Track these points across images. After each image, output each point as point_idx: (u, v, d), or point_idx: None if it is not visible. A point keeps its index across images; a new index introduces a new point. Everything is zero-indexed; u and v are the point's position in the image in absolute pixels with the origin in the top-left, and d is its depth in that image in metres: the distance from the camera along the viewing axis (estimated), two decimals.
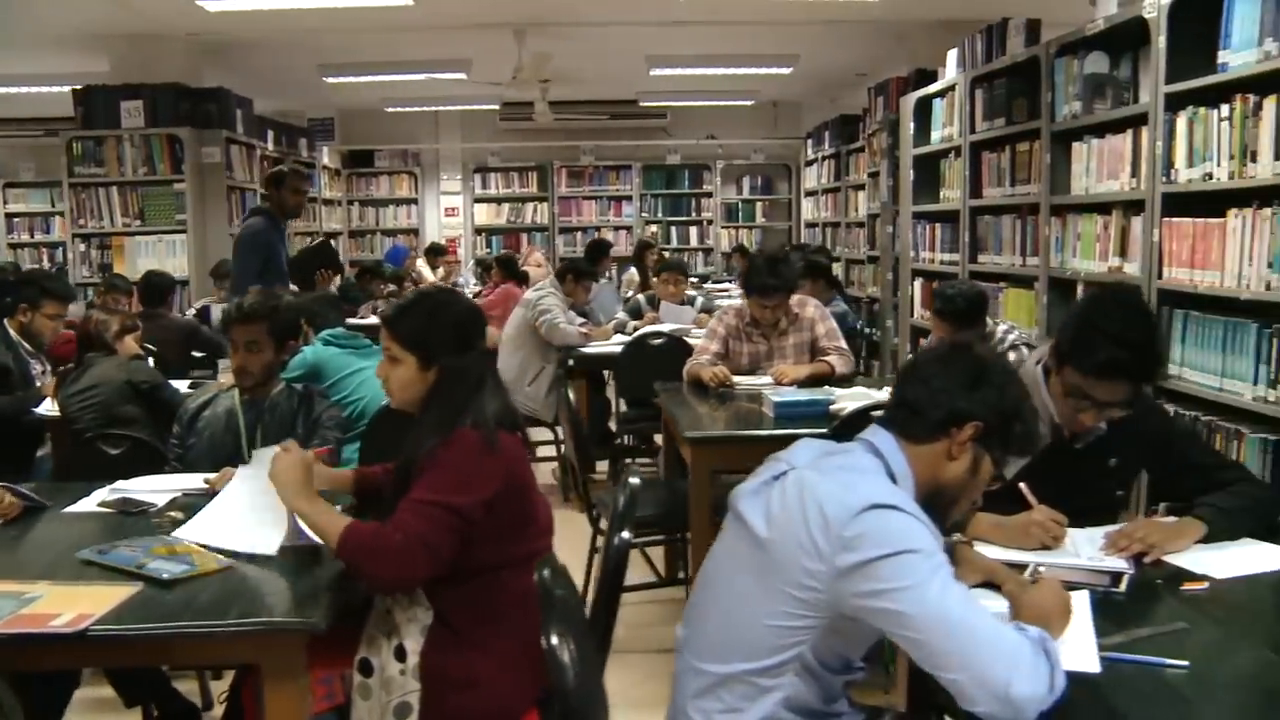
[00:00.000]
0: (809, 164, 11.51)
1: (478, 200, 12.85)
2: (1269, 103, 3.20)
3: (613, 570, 2.08)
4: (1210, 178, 3.50)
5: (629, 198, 12.60)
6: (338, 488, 2.44)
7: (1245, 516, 2.17)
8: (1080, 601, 1.79)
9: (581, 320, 6.31)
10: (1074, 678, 1.50)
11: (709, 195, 12.68)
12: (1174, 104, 3.69)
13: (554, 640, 1.43)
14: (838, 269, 10.10)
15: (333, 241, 12.06)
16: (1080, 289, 4.41)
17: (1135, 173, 3.96)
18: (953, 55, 5.91)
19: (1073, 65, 4.43)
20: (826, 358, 4.36)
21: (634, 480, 2.26)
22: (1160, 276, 3.78)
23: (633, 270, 9.16)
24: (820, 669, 1.59)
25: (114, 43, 7.81)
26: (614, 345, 5.78)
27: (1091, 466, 2.27)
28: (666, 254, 12.18)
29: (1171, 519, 2.14)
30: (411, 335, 2.18)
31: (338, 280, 6.95)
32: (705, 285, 10.06)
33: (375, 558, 1.97)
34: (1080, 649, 1.60)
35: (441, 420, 2.10)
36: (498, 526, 2.06)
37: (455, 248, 12.77)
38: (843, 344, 4.46)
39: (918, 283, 6.42)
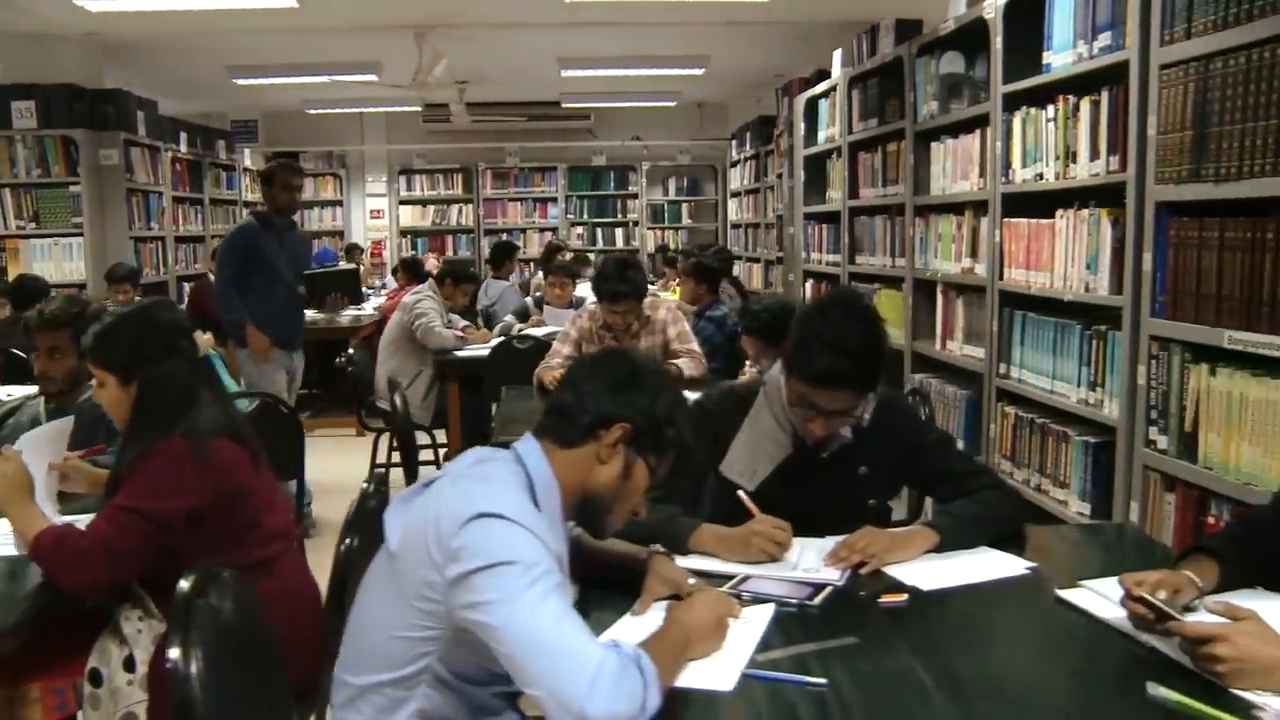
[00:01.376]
0: (734, 165, 11.52)
1: (403, 202, 12.76)
2: (1085, 104, 3.20)
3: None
4: (1041, 178, 3.51)
5: (554, 199, 12.56)
6: (97, 490, 2.39)
7: (984, 524, 2.14)
8: (759, 615, 1.76)
9: (465, 324, 6.27)
10: (701, 695, 1.48)
11: (635, 197, 12.66)
12: (1010, 105, 3.70)
13: (173, 654, 1.38)
14: (757, 270, 10.13)
15: None
16: (940, 290, 4.42)
17: (983, 173, 3.96)
18: (838, 55, 5.92)
19: (930, 65, 4.43)
20: (675, 360, 4.37)
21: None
22: (1001, 278, 3.79)
23: (540, 275, 9.10)
24: (457, 680, 1.56)
25: (3, 42, 7.66)
26: (485, 349, 5.73)
27: (841, 475, 2.24)
28: (592, 256, 12.20)
29: (903, 529, 2.11)
30: (104, 355, 2.17)
31: None
32: None
33: (57, 561, 1.96)
34: (724, 666, 1.57)
35: (144, 432, 2.06)
36: (215, 535, 2.02)
37: (381, 249, 12.68)
38: (694, 346, 4.47)
39: (809, 284, 6.42)
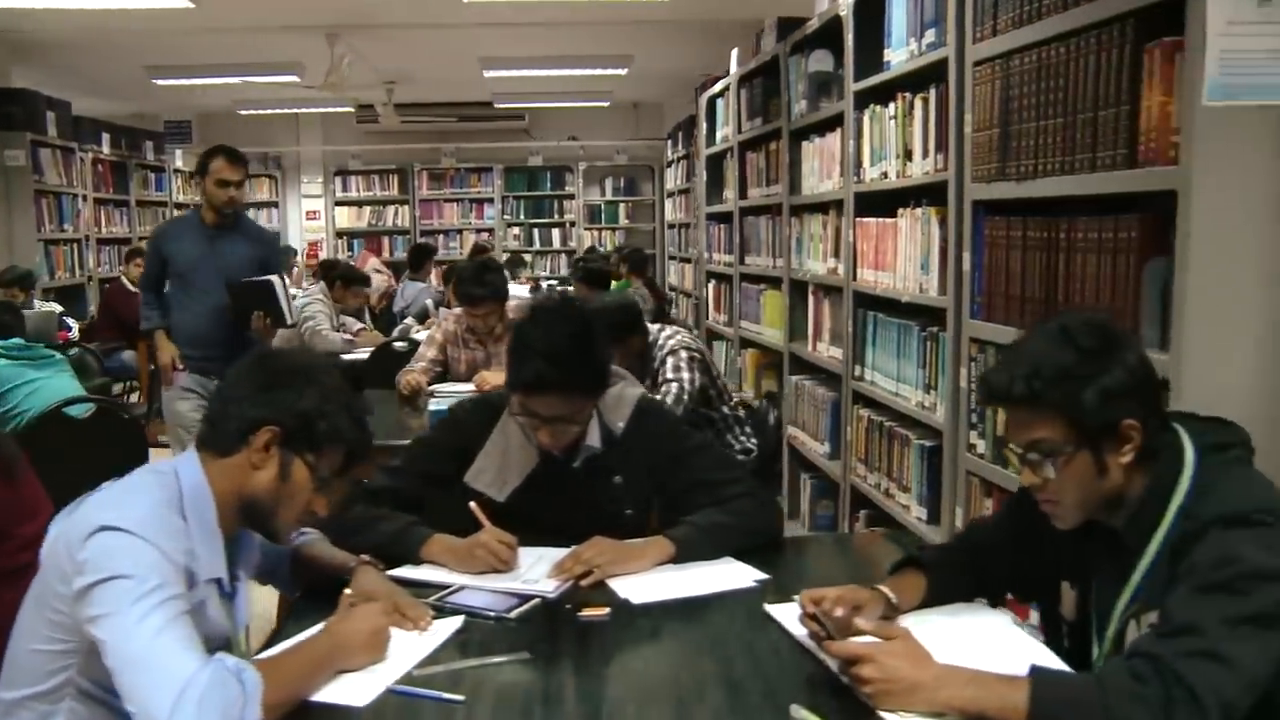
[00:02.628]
0: (669, 165, 11.45)
1: (339, 203, 12.63)
2: (918, 102, 3.15)
3: None
4: (885, 176, 3.46)
5: (491, 200, 12.46)
6: None
7: (728, 534, 2.09)
8: (446, 627, 1.72)
9: (360, 327, 6.19)
10: (327, 709, 1.44)
11: (571, 197, 12.57)
12: (860, 103, 3.65)
13: None
14: (689, 270, 10.07)
15: None
16: (810, 291, 4.37)
17: (843, 172, 3.91)
18: (734, 55, 5.86)
19: (801, 64, 4.38)
20: None
21: None
22: (855, 278, 3.74)
23: None
24: (103, 693, 1.50)
25: None
26: (366, 352, 5.65)
27: (594, 485, 2.18)
28: (529, 257, 12.12)
29: (639, 540, 2.05)
30: None
31: None
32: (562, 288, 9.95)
33: None
34: (371, 680, 1.52)
35: None
36: None
37: (317, 251, 12.55)
38: None
39: (711, 284, 6.37)
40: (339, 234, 12.64)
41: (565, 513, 2.11)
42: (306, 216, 12.76)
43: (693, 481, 2.19)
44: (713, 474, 2.19)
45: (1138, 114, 2.10)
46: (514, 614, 1.78)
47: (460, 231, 12.35)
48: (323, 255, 12.41)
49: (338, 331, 5.98)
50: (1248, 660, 1.28)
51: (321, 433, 1.61)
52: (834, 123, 3.97)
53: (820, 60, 4.27)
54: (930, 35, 3.03)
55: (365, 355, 5.51)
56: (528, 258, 11.95)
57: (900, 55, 3.26)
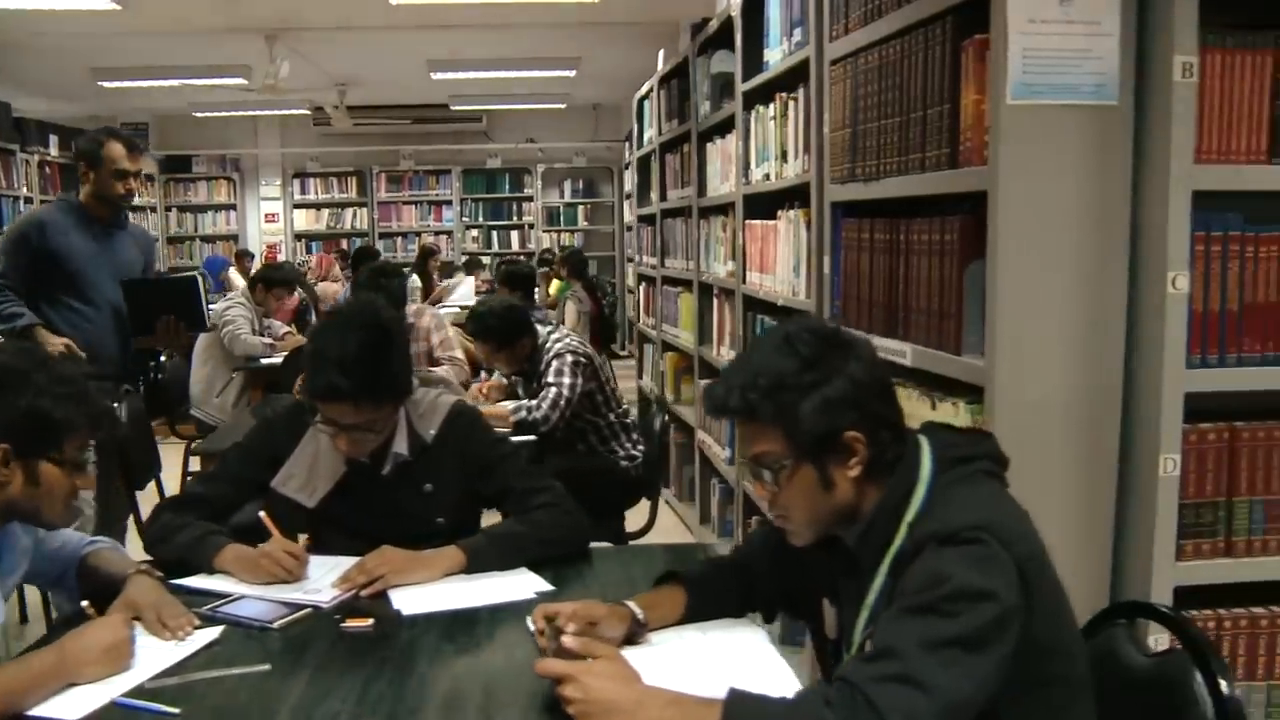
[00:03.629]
0: (627, 166, 11.39)
1: (297, 206, 12.54)
2: (791, 102, 3.12)
3: None
4: (768, 178, 3.42)
5: (449, 202, 12.40)
6: None
7: (523, 544, 2.05)
8: (201, 638, 1.68)
9: (286, 330, 6.12)
10: None
11: (530, 199, 12.51)
12: (748, 103, 3.61)
13: None
14: (630, 270, 10.02)
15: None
16: (715, 294, 4.32)
17: (736, 174, 3.87)
18: (660, 55, 5.82)
19: (706, 64, 4.34)
20: (437, 368, 4.29)
21: None
22: (745, 281, 3.70)
23: (414, 277, 8.95)
24: None
25: None
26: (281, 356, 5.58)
27: (404, 493, 2.14)
28: (487, 259, 12.06)
29: (430, 550, 2.00)
30: None
31: None
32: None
33: None
34: (97, 693, 1.49)
35: None
36: None
37: (275, 254, 12.46)
38: (456, 354, 4.44)
39: (642, 286, 6.32)
40: (298, 236, 12.56)
41: (377, 520, 2.08)
42: (265, 219, 12.67)
43: (501, 490, 2.17)
44: (520, 483, 2.16)
45: (958, 113, 2.07)
46: (278, 624, 1.74)
47: (419, 234, 12.27)
48: (281, 258, 12.34)
49: (261, 335, 5.91)
50: (945, 684, 1.22)
51: (55, 428, 1.57)
52: (731, 124, 3.94)
53: (722, 61, 4.23)
54: (798, 34, 3.00)
55: (277, 360, 5.46)
56: (486, 260, 11.88)
57: (775, 55, 3.23)
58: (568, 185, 12.68)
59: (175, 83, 8.72)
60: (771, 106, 3.31)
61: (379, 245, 12.23)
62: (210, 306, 4.84)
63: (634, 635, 1.62)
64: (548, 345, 3.67)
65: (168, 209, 12.46)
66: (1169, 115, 1.87)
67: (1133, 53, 1.92)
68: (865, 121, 2.47)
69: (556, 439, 3.66)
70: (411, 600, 1.84)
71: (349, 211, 12.54)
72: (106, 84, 9.15)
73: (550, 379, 3.55)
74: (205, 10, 6.95)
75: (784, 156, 3.21)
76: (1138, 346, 1.97)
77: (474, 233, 12.50)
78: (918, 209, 2.28)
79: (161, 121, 12.09)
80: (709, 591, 1.70)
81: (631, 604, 1.62)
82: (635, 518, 3.61)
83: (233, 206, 12.61)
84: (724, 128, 4.10)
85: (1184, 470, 1.93)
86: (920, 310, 2.24)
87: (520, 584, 1.94)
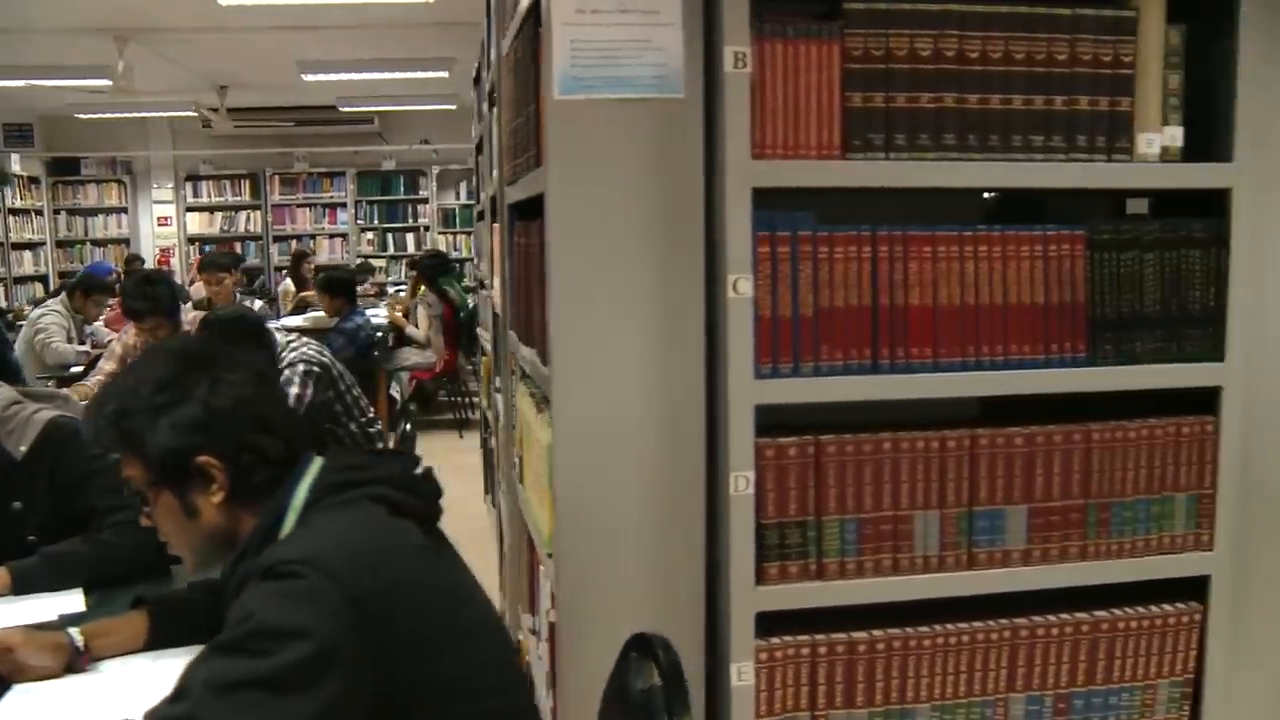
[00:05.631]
0: None
1: (190, 209, 12.30)
2: None
3: None
4: None
5: (344, 205, 12.20)
6: None
7: (82, 564, 2.00)
8: None
9: (112, 337, 5.93)
10: None
11: (425, 201, 12.35)
12: None
13: None
14: None
15: (37, 252, 11.49)
16: None
17: None
18: None
19: None
20: None
21: None
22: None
23: (288, 281, 8.77)
24: None
25: None
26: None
27: None
28: (382, 262, 11.88)
29: None
30: None
31: None
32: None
33: None
34: None
35: None
36: None
37: (168, 258, 12.23)
38: None
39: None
40: (191, 240, 12.32)
41: None
42: (158, 223, 12.43)
43: (87, 508, 2.08)
44: (103, 501, 2.08)
45: (540, 112, 1.95)
46: None
47: (314, 237, 12.08)
48: (174, 262, 12.11)
49: (81, 344, 5.73)
50: None
51: None
52: None
53: None
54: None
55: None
56: (381, 263, 11.71)
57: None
58: (463, 187, 12.52)
59: (22, 83, 8.48)
60: None
61: (273, 248, 12.06)
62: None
63: (74, 664, 1.55)
64: (283, 354, 3.53)
65: (55, 212, 12.18)
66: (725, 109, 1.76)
67: (700, 43, 1.81)
68: (508, 122, 2.35)
69: None
70: None
71: (243, 214, 12.33)
72: None
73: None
74: (47, 10, 6.76)
75: None
76: (718, 358, 1.86)
77: (369, 235, 12.33)
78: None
79: (46, 123, 11.81)
80: (175, 618, 1.66)
81: (74, 631, 1.52)
82: None
83: (124, 210, 12.35)
84: None
85: (762, 488, 1.82)
86: (536, 318, 2.12)
87: (53, 605, 1.87)
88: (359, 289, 9.88)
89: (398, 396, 7.30)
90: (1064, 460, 1.90)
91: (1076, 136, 1.85)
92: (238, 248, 12.14)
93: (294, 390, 3.42)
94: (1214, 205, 1.93)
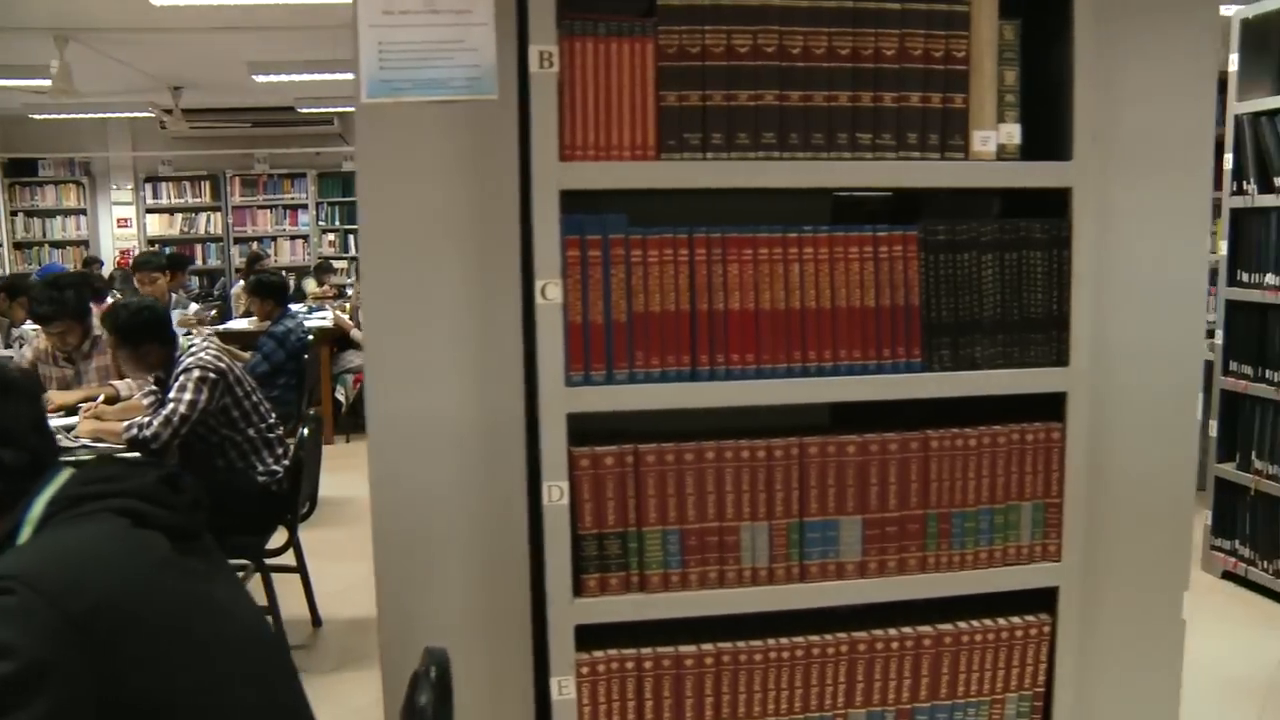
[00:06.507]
0: None
1: (150, 210, 12.19)
2: None
3: None
4: None
5: (305, 206, 12.10)
6: None
7: None
8: None
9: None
10: None
11: None
12: None
13: None
14: None
15: None
16: None
17: None
18: None
19: None
20: (117, 381, 4.08)
21: None
22: None
23: (241, 284, 8.68)
24: None
25: None
26: None
27: None
28: (343, 264, 11.80)
29: None
30: None
31: None
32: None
33: None
34: None
35: None
36: None
37: (127, 260, 12.09)
38: None
39: None
40: (151, 242, 12.19)
41: None
42: (117, 224, 12.31)
43: None
44: None
45: None
46: None
47: (275, 238, 11.98)
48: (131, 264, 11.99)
49: (7, 346, 5.65)
50: None
51: None
52: None
53: None
54: None
55: None
56: (341, 264, 11.63)
57: None
58: None
59: None
60: None
61: (234, 250, 11.96)
62: None
63: None
64: (181, 358, 3.47)
65: (13, 213, 12.06)
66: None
67: (515, 43, 1.75)
68: None
69: (197, 454, 3.47)
70: None
71: (203, 216, 12.22)
72: None
73: (172, 394, 3.36)
74: None
75: None
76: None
77: (331, 236, 12.24)
78: None
79: (3, 124, 11.68)
80: None
81: None
82: None
83: (83, 211, 12.23)
84: None
85: (579, 498, 1.76)
86: None
87: None
88: (321, 289, 9.87)
89: (343, 400, 7.23)
90: (900, 469, 1.85)
91: (907, 134, 1.79)
92: (198, 249, 12.05)
93: (187, 396, 3.35)
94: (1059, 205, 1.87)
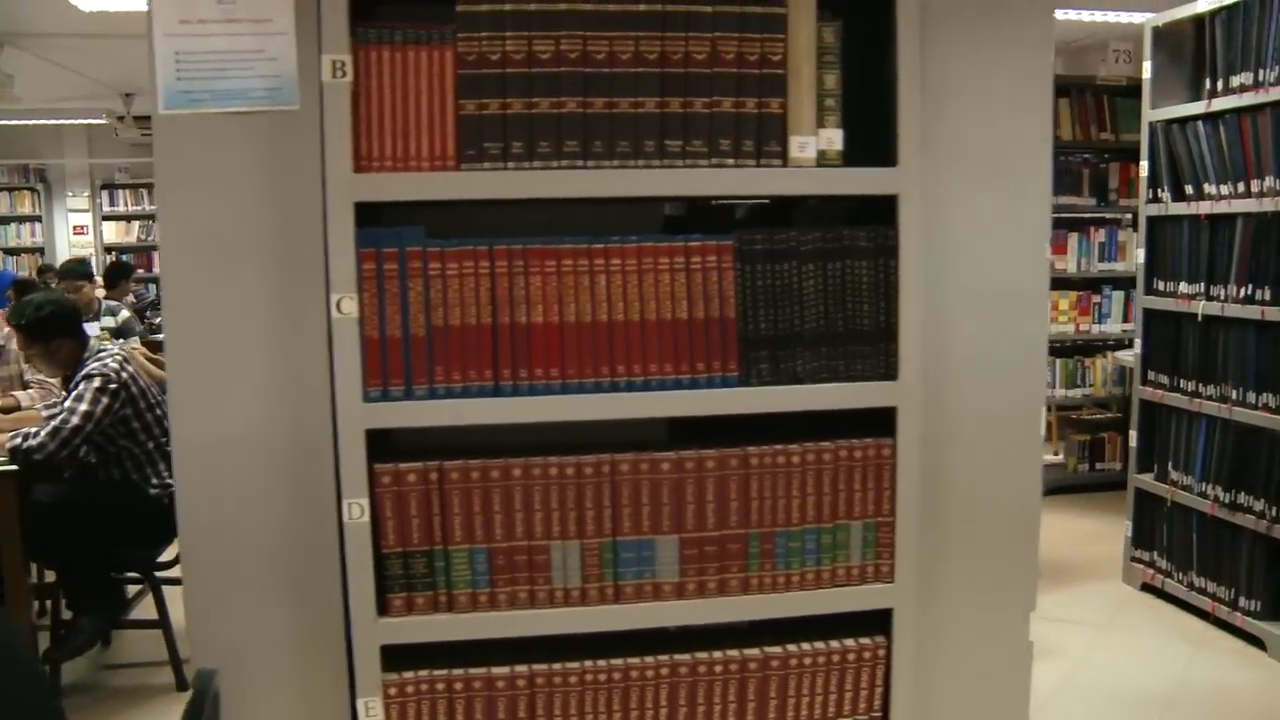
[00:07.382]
0: None
1: (106, 218, 12.08)
2: None
3: None
4: None
5: None
6: None
7: None
8: None
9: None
10: None
11: None
12: None
13: None
14: None
15: None
16: None
17: None
18: None
19: None
20: (21, 392, 4.02)
21: None
22: None
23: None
24: None
25: None
26: None
27: None
28: None
29: None
30: None
31: None
32: None
33: None
34: None
35: None
36: None
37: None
38: (45, 377, 4.07)
39: None
40: (108, 249, 12.08)
41: None
42: (73, 232, 12.18)
43: None
44: None
45: None
46: None
47: None
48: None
49: None
50: None
51: None
52: None
53: None
54: None
55: None
56: None
57: None
58: None
59: None
60: None
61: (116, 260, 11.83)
62: None
63: None
64: (87, 360, 3.40)
65: None
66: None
67: (316, 52, 1.70)
68: None
69: (92, 465, 3.41)
70: None
71: None
72: None
73: (68, 403, 3.29)
74: None
75: None
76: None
77: None
78: None
79: None
80: None
81: None
82: None
83: (38, 218, 12.09)
84: None
85: (381, 516, 1.71)
86: None
87: None
88: None
89: None
90: (719, 487, 1.80)
91: (719, 140, 1.75)
92: (154, 258, 11.93)
93: (83, 406, 3.26)
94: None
